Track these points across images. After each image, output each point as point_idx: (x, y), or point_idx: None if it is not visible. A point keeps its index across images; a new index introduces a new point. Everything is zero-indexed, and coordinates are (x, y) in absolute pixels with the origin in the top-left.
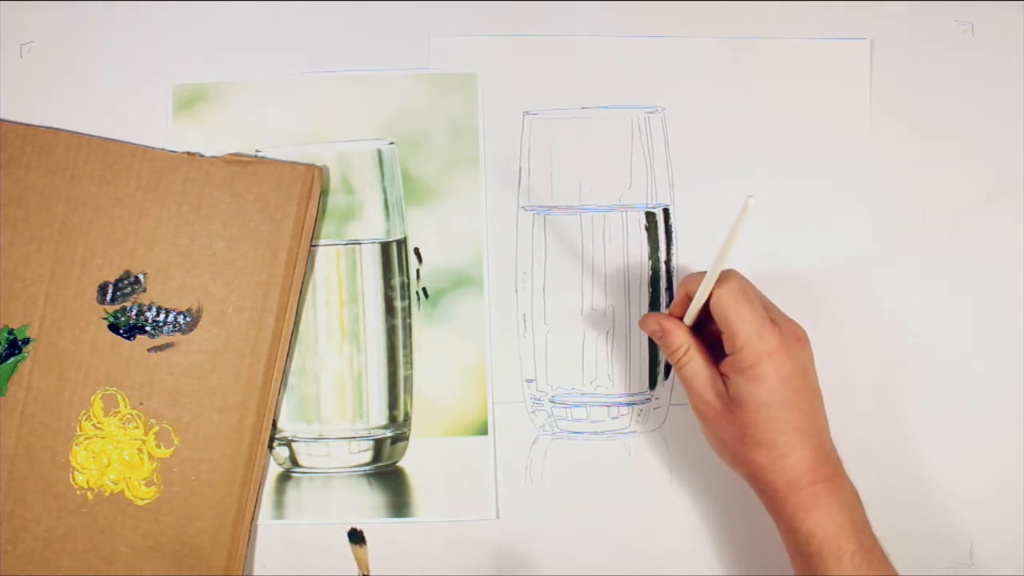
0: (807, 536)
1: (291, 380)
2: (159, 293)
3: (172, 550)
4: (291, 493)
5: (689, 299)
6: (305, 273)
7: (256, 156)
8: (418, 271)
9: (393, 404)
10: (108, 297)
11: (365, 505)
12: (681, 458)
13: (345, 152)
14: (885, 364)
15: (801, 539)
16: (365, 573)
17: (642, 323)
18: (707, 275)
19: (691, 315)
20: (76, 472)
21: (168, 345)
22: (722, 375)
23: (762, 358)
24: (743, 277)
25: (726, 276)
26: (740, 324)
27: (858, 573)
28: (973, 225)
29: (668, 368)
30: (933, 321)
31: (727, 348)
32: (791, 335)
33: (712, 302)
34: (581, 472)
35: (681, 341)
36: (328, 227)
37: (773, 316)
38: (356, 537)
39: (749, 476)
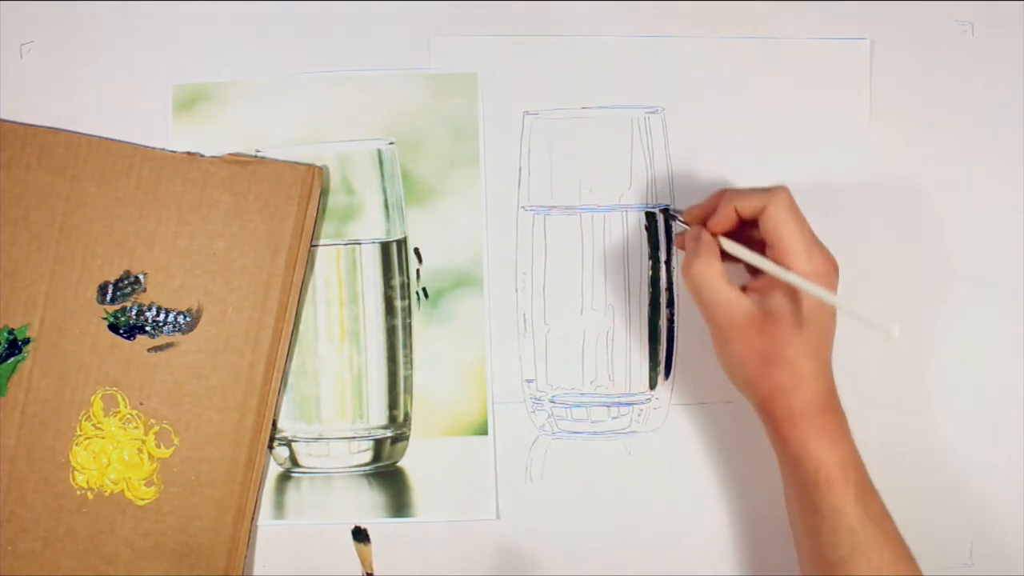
0: (816, 463)
1: (291, 380)
2: (159, 293)
3: (172, 550)
4: (291, 493)
5: (738, 216)
6: (305, 273)
7: (256, 156)
8: (418, 271)
9: (393, 404)
10: (108, 297)
11: (365, 505)
12: (681, 458)
13: (345, 152)
14: (888, 364)
15: (809, 466)
16: (369, 572)
17: (687, 234)
18: (772, 268)
19: (737, 250)
20: (76, 472)
21: (168, 345)
22: (751, 290)
23: (808, 276)
24: (792, 195)
25: (778, 191)
26: (791, 240)
27: (863, 502)
28: (973, 224)
29: (668, 368)
30: (933, 320)
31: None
32: (832, 262)
33: (764, 215)
34: (581, 472)
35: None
36: (328, 227)
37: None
38: (360, 535)
39: (765, 397)
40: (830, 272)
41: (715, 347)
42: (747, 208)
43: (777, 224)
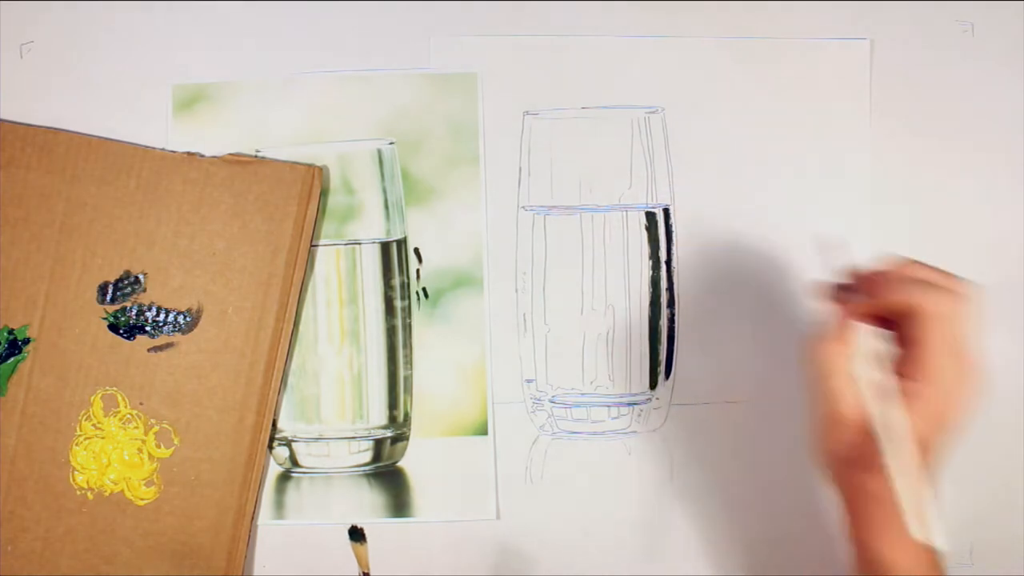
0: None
1: (291, 380)
2: (159, 293)
3: (172, 550)
4: (291, 493)
5: (885, 313)
6: (305, 273)
7: (256, 156)
8: (418, 271)
9: (393, 404)
10: (108, 297)
11: (365, 505)
12: (681, 458)
13: (345, 152)
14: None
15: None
16: (366, 571)
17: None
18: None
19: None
20: (76, 472)
21: (168, 345)
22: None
23: (948, 410)
24: (965, 310)
25: (943, 308)
26: (939, 370)
27: None
28: (973, 224)
29: (668, 368)
30: None
31: (910, 372)
32: (958, 401)
33: (922, 323)
34: (581, 472)
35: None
36: (328, 227)
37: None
38: (357, 535)
39: (845, 489)
40: (967, 400)
41: (813, 423)
42: (895, 304)
43: (930, 345)
